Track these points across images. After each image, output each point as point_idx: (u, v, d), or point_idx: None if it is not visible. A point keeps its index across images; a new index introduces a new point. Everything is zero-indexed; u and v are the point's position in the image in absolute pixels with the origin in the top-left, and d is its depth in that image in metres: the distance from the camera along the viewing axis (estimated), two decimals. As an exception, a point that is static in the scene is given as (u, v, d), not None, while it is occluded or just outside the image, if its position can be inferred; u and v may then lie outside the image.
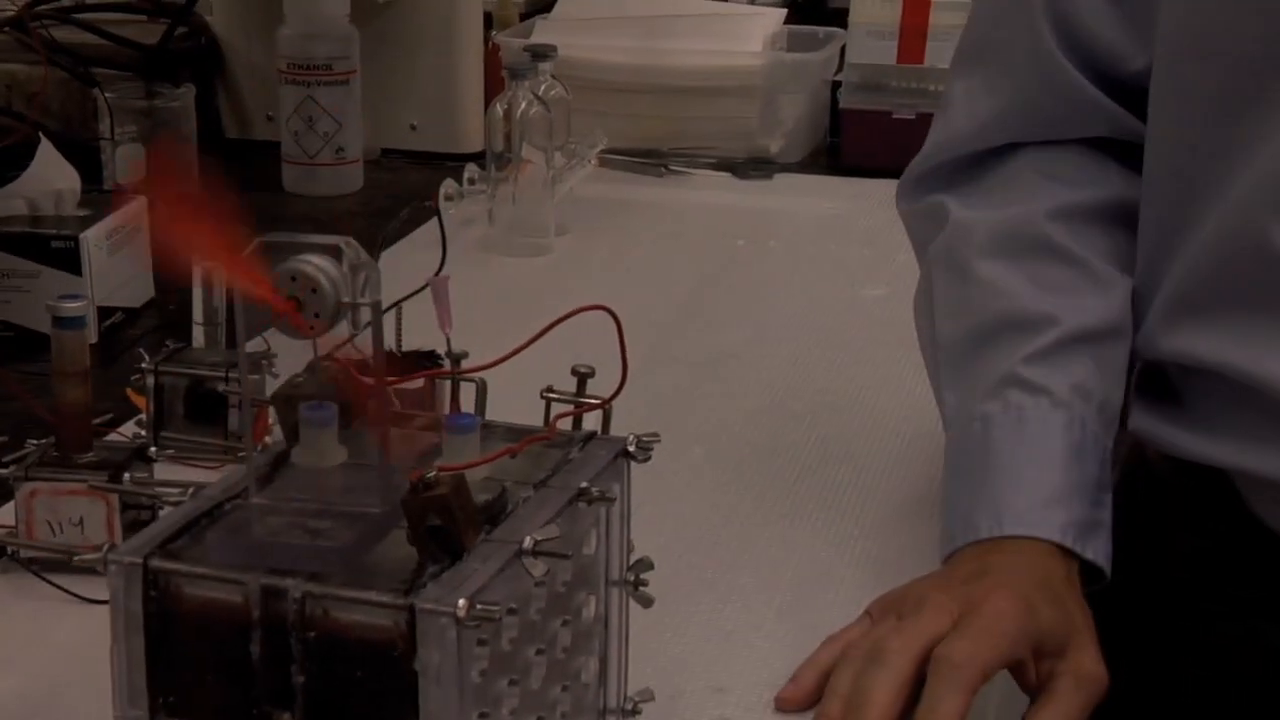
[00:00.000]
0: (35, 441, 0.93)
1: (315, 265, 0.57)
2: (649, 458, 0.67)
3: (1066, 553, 0.87)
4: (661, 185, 1.67)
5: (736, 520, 0.99)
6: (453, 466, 0.59)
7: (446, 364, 0.69)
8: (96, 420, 0.97)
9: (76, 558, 0.58)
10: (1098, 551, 0.88)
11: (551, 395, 0.69)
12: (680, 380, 1.20)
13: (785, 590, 0.91)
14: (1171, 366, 0.92)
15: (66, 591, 0.88)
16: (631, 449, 0.67)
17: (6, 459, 0.92)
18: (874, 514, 1.00)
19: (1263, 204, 0.84)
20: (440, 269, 0.68)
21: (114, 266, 1.25)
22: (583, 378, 0.69)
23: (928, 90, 1.69)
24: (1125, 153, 0.96)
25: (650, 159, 1.70)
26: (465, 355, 0.70)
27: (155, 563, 0.57)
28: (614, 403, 0.69)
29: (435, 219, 1.37)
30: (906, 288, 1.02)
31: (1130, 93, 0.94)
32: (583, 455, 0.66)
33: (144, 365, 1.04)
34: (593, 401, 0.69)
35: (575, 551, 0.64)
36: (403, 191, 1.61)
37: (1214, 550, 0.95)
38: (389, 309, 0.62)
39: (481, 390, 0.70)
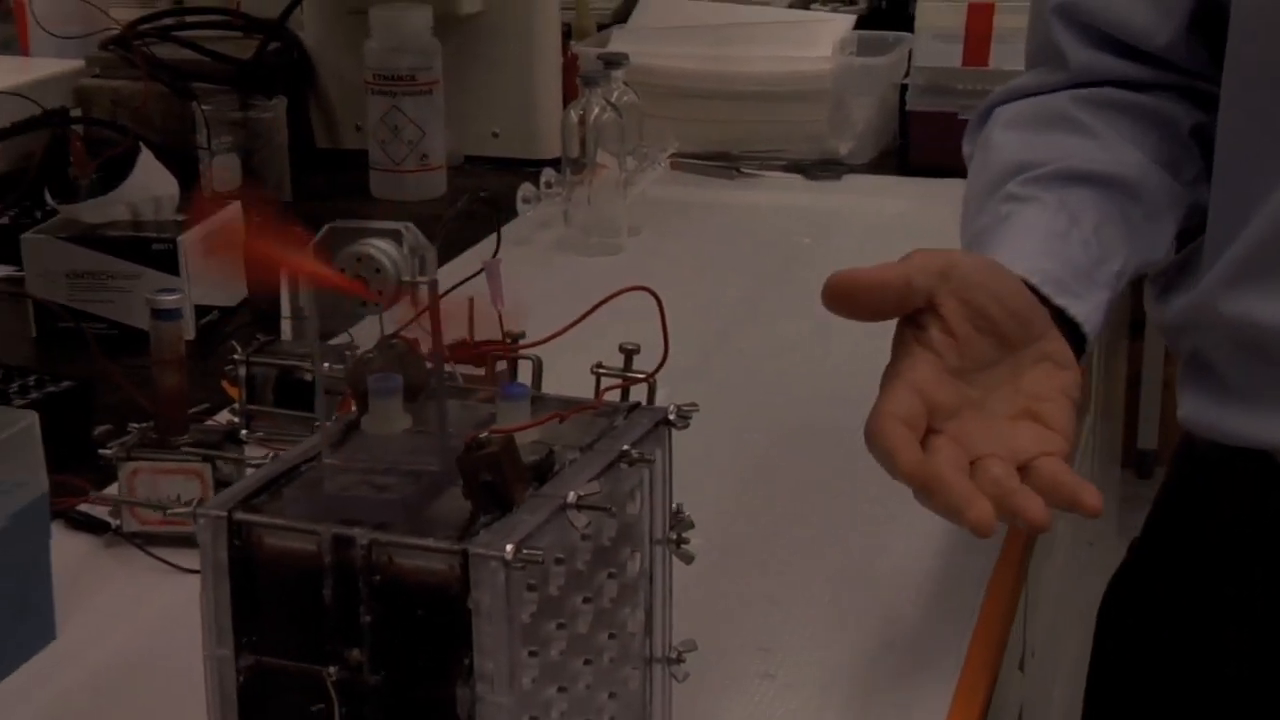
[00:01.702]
0: (137, 426, 1.00)
1: (378, 248, 0.63)
2: (687, 425, 0.73)
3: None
4: (733, 187, 1.73)
5: (790, 497, 1.05)
6: (503, 429, 0.65)
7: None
8: (193, 409, 1.04)
9: (169, 512, 0.65)
10: (1072, 305, 0.87)
11: (601, 370, 0.75)
12: (741, 369, 1.26)
13: (830, 558, 0.97)
14: (1223, 346, 0.94)
15: (165, 562, 0.96)
16: (672, 418, 0.73)
17: (110, 443, 1.00)
18: (920, 491, 1.05)
19: None
20: (495, 253, 0.75)
21: (210, 268, 1.33)
22: (629, 354, 0.75)
23: (992, 92, 1.73)
24: (1158, 85, 0.99)
25: (722, 161, 1.76)
26: (523, 335, 0.76)
27: (239, 515, 0.64)
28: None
29: (511, 220, 1.46)
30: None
31: (1161, 60, 0.98)
32: (627, 423, 0.72)
33: (236, 357, 1.11)
34: (638, 376, 0.75)
35: (619, 510, 0.70)
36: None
37: (1261, 539, 0.97)
38: (448, 292, 0.68)
39: (538, 367, 0.76)
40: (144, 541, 0.97)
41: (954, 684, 0.85)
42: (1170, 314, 0.98)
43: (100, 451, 0.98)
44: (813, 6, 2.48)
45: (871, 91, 1.81)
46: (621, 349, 0.76)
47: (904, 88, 1.82)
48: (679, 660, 0.75)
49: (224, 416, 1.12)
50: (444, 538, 0.62)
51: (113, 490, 1.00)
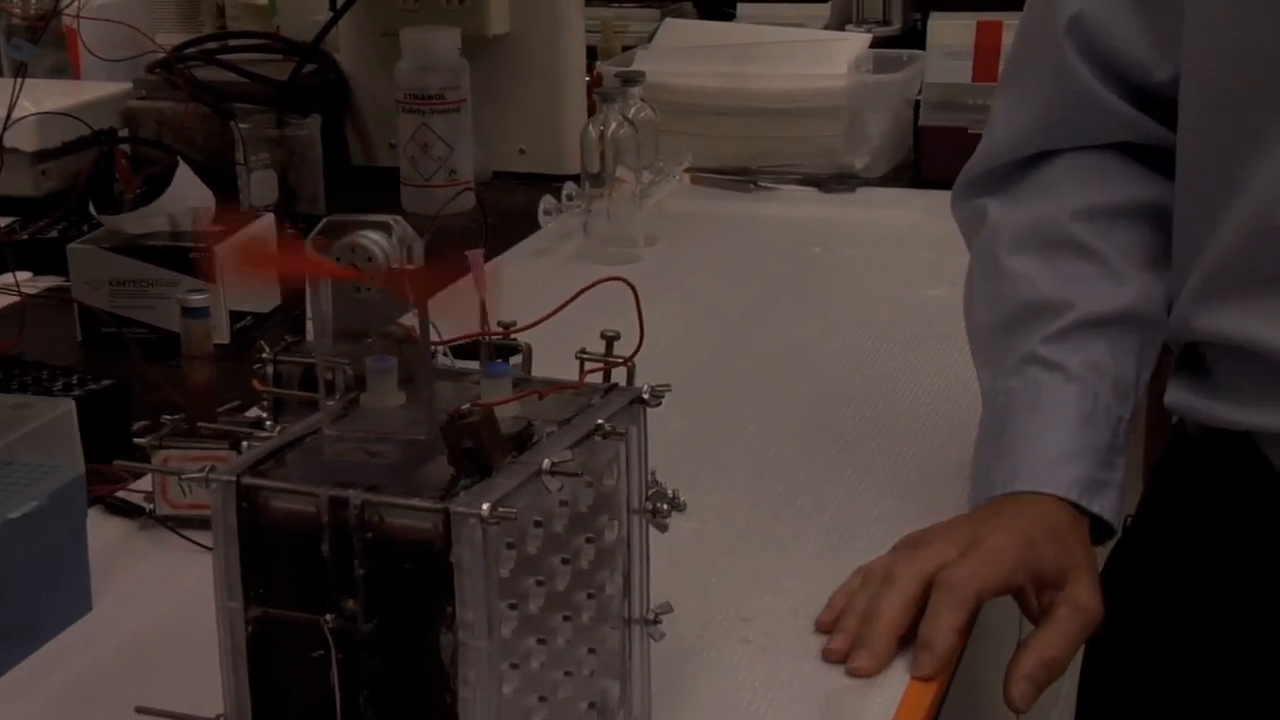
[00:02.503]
0: (169, 418, 1.08)
1: (370, 239, 0.70)
2: (660, 404, 0.80)
3: (1074, 506, 0.97)
4: (749, 200, 1.80)
5: (780, 483, 1.11)
6: (484, 403, 0.72)
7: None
8: (226, 406, 1.12)
9: (184, 477, 0.72)
10: (1104, 506, 0.98)
11: (584, 356, 0.82)
12: (748, 367, 1.33)
13: (815, 539, 1.03)
14: (1204, 345, 1.01)
15: (195, 543, 1.03)
16: (645, 396, 0.79)
17: (146, 434, 1.07)
18: (905, 479, 1.12)
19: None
20: (483, 246, 0.80)
21: (244, 275, 1.40)
22: (610, 341, 0.82)
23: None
24: (1149, 156, 1.06)
25: (740, 175, 1.83)
26: (513, 323, 0.83)
27: (246, 480, 0.71)
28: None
29: (535, 234, 1.54)
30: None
31: (1157, 101, 1.04)
32: (603, 401, 0.79)
33: (264, 356, 1.18)
34: (617, 360, 0.81)
35: (596, 480, 0.77)
36: (510, 209, 1.75)
37: (1249, 525, 1.03)
38: (437, 282, 0.75)
39: (527, 352, 0.83)
40: (175, 524, 1.05)
41: (921, 653, 0.91)
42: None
43: (135, 440, 1.06)
44: (847, 27, 2.55)
45: (886, 107, 1.87)
46: (603, 335, 0.82)
47: (918, 103, 1.88)
48: (656, 621, 0.82)
49: (254, 413, 1.20)
50: (428, 498, 0.69)
51: (146, 479, 1.07)
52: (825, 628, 0.92)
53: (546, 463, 0.71)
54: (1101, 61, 1.04)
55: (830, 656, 0.89)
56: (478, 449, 0.70)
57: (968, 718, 1.08)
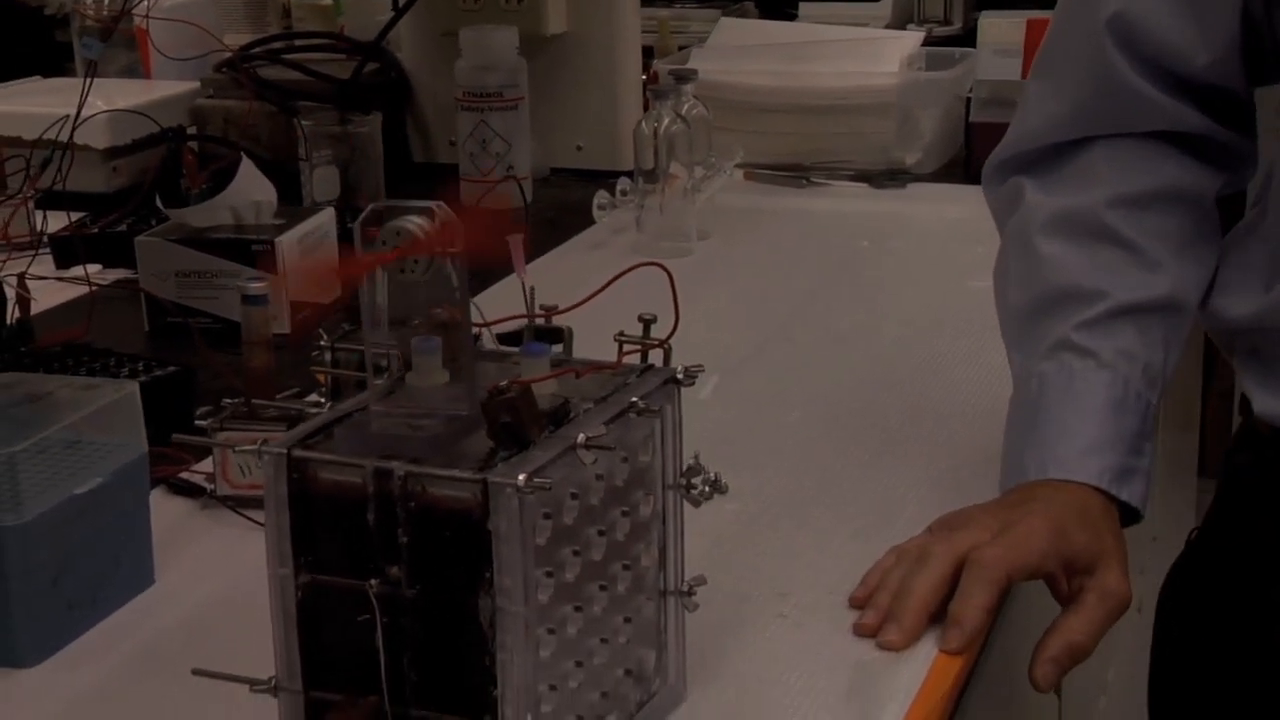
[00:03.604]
0: (230, 401, 1.12)
1: (414, 223, 0.74)
2: (693, 383, 0.83)
3: (1104, 493, 1.00)
4: (801, 195, 1.83)
5: (821, 468, 1.14)
6: (522, 380, 0.76)
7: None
8: (285, 393, 1.15)
9: (237, 448, 0.76)
10: (1132, 494, 1.01)
11: (622, 338, 0.85)
12: (794, 356, 1.36)
13: (853, 521, 1.06)
14: None
15: (254, 521, 1.06)
16: (680, 376, 0.83)
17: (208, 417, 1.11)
18: (942, 464, 1.14)
19: None
20: (524, 235, 0.84)
21: (304, 268, 1.44)
22: (647, 324, 0.85)
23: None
24: (1186, 142, 1.07)
25: (793, 171, 1.86)
26: (555, 308, 0.86)
27: (296, 452, 0.75)
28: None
29: (590, 228, 1.57)
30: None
31: (1195, 87, 1.05)
32: (639, 381, 0.82)
33: (322, 343, 1.22)
34: (654, 342, 0.85)
35: (631, 456, 0.80)
36: (567, 204, 1.79)
37: None
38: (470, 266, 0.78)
39: (569, 335, 0.87)
40: (235, 504, 1.09)
41: (950, 629, 0.94)
42: (1227, 317, 1.07)
43: (197, 424, 1.10)
44: (908, 27, 2.57)
45: (937, 104, 1.89)
46: (640, 318, 0.86)
47: (969, 100, 1.90)
48: (690, 593, 0.85)
49: (312, 399, 1.24)
50: (468, 469, 0.72)
51: (208, 461, 1.12)
52: (858, 603, 0.95)
53: (581, 437, 0.74)
54: (1141, 55, 1.05)
55: (862, 631, 0.92)
56: (515, 423, 0.73)
57: (1004, 695, 1.10)
